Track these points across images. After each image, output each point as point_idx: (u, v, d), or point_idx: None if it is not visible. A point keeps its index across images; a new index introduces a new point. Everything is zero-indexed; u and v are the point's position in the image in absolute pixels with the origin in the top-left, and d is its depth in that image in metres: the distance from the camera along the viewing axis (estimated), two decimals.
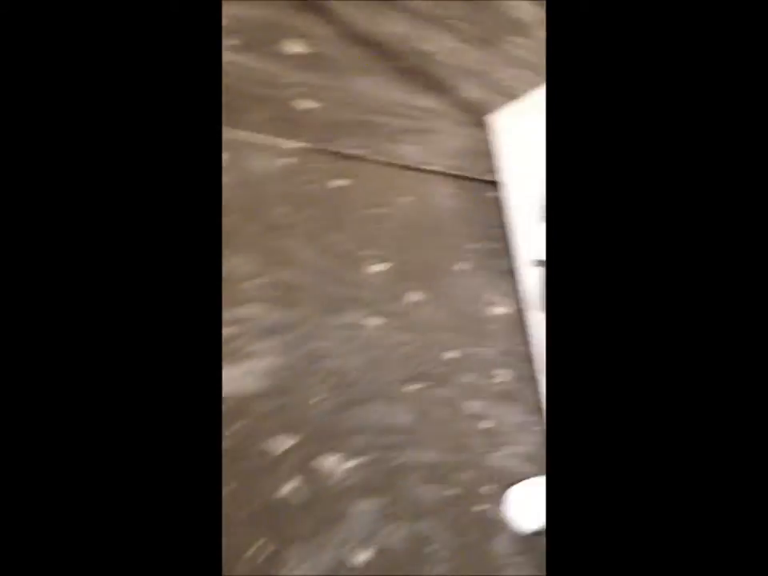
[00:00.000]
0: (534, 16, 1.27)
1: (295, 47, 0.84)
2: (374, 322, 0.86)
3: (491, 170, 1.06)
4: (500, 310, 1.01)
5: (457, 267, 0.97)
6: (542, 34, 1.26)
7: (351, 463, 0.79)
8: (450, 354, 0.94)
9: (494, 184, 1.06)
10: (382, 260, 0.89)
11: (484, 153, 1.06)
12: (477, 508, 0.91)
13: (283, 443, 0.73)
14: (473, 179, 1.04)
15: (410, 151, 0.96)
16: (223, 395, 0.70)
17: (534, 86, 1.21)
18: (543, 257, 0.85)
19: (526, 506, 0.70)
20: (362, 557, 0.76)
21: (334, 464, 0.77)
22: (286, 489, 0.72)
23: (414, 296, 0.92)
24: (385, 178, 0.92)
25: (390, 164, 0.93)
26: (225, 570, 0.66)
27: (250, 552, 0.68)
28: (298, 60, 0.84)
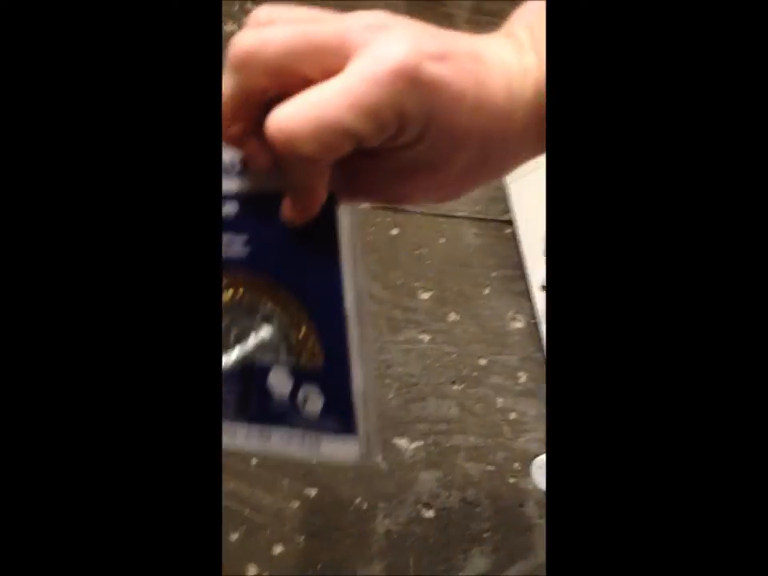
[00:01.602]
0: None
1: None
2: (425, 337, 1.11)
3: (507, 211, 1.32)
4: (519, 324, 1.27)
5: (484, 292, 1.23)
6: None
7: (416, 444, 1.04)
8: (482, 361, 1.19)
9: (509, 222, 1.32)
10: (427, 290, 1.15)
11: (500, 198, 1.32)
12: (511, 480, 1.15)
13: None
14: (492, 220, 1.30)
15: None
16: None
17: None
18: (545, 283, 1.10)
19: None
20: (429, 514, 1.01)
21: (405, 444, 1.02)
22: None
23: (453, 316, 1.17)
24: (425, 226, 1.18)
25: (427, 214, 1.19)
26: (332, 518, 0.91)
27: (352, 507, 0.93)
28: None
